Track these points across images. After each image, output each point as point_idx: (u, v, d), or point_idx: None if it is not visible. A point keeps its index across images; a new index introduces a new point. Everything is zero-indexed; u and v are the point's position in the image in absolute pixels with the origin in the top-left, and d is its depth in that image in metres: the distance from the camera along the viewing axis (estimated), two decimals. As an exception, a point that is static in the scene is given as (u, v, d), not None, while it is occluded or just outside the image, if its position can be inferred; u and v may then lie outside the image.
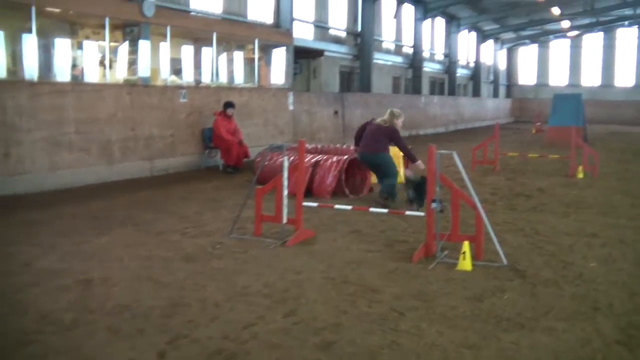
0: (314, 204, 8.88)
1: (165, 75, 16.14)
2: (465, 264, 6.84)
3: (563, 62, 53.01)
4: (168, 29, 15.49)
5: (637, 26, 49.89)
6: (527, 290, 6.21)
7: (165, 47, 15.84)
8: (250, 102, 17.67)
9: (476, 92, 45.51)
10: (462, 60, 43.27)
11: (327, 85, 26.61)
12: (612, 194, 12.41)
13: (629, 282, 6.54)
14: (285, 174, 7.97)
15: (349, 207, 8.99)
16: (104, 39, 14.09)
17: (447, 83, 40.48)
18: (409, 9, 34.16)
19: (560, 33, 50.45)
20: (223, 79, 18.81)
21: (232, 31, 18.51)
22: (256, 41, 18.57)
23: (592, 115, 39.72)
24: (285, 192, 7.98)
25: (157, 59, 16.02)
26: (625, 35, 50.94)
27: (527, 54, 54.40)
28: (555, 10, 41.23)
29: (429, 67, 37.51)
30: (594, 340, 5.00)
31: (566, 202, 11.39)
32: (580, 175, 14.75)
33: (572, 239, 8.42)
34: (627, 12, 44.72)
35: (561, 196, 12.11)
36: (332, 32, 27.11)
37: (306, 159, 11.30)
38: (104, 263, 6.94)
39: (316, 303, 5.73)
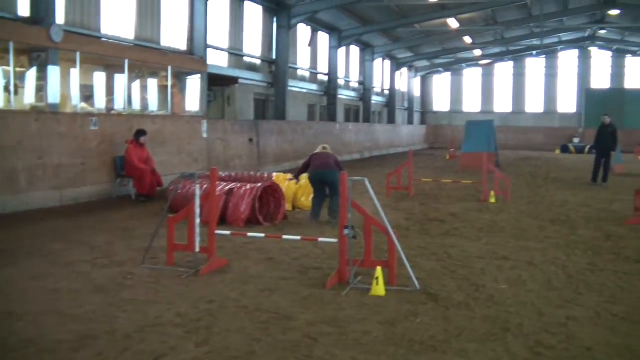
0: (227, 232, 8.85)
1: (76, 102, 15.80)
2: (379, 289, 6.96)
3: (476, 89, 54.92)
4: (78, 54, 15.20)
5: (544, 56, 52.41)
6: (439, 313, 6.37)
7: (75, 73, 15.52)
8: (163, 130, 17.49)
9: (391, 119, 46.48)
10: (377, 88, 44.17)
11: (241, 113, 26.63)
12: (522, 218, 12.90)
13: (537, 302, 6.80)
14: (198, 202, 7.94)
15: (262, 235, 9.02)
16: (8, 64, 13.69)
17: (362, 110, 41.19)
18: (323, 37, 34.71)
19: (473, 61, 52.36)
20: (136, 106, 18.54)
21: (144, 58, 18.32)
22: (169, 68, 18.45)
23: (504, 140, 41.31)
24: (198, 221, 7.94)
25: (67, 85, 15.66)
26: (533, 64, 53.35)
27: (441, 82, 56.07)
28: (468, 40, 42.84)
29: (344, 95, 38.11)
30: (503, 359, 5.18)
31: (478, 227, 11.75)
32: (493, 200, 15.26)
33: (484, 262, 8.70)
34: (535, 42, 46.92)
35: (474, 221, 12.48)
36: (246, 59, 27.23)
37: (220, 187, 11.27)
38: (8, 296, 6.70)
39: (229, 332, 5.71)
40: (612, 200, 15.94)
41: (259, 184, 11.76)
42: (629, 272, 8.19)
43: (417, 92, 54.77)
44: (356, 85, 40.86)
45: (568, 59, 53.06)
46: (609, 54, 52.21)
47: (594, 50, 52.10)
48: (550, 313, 6.43)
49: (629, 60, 52.10)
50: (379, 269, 7.04)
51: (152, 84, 19.78)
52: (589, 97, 51.68)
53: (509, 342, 5.58)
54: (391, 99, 46.83)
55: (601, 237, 10.76)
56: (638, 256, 9.17)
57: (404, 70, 50.08)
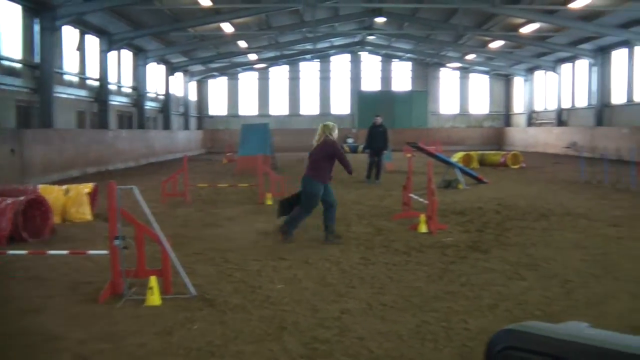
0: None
1: None
2: (154, 299, 6.84)
3: (252, 93, 55.85)
4: None
5: (318, 60, 54.68)
6: (216, 318, 6.39)
7: None
8: None
9: (167, 125, 45.83)
10: (151, 93, 43.30)
11: (1, 121, 24.78)
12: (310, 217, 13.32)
13: (312, 299, 7.07)
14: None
15: (24, 252, 8.46)
16: None
17: (136, 116, 40.20)
18: (93, 41, 33.33)
19: (248, 65, 53.17)
20: None
21: None
22: None
23: (281, 143, 42.35)
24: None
25: None
26: (308, 67, 55.44)
27: (217, 86, 56.33)
28: (243, 44, 43.43)
29: (116, 101, 36.91)
30: (280, 358, 5.32)
31: (256, 229, 11.96)
32: (269, 202, 15.61)
33: (260, 263, 8.87)
34: (309, 46, 48.90)
35: (251, 223, 12.69)
36: (5, 63, 25.38)
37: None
38: None
39: (-16, 359, 5.29)
40: (383, 197, 17.01)
41: (22, 197, 11.01)
42: (398, 264, 8.79)
43: (193, 97, 54.52)
44: (129, 90, 39.75)
45: (340, 62, 55.83)
46: (378, 58, 55.73)
47: (364, 55, 55.33)
48: (324, 308, 6.71)
49: (396, 64, 56.02)
50: (153, 279, 6.91)
51: None
52: (361, 99, 54.91)
53: (286, 340, 5.74)
54: (166, 104, 46.17)
55: (373, 232, 11.44)
56: (405, 248, 9.87)
57: (179, 74, 49.64)
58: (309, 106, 55.71)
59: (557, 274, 8.10)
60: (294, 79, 55.44)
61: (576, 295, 7.11)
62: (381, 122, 21.46)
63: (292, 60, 54.20)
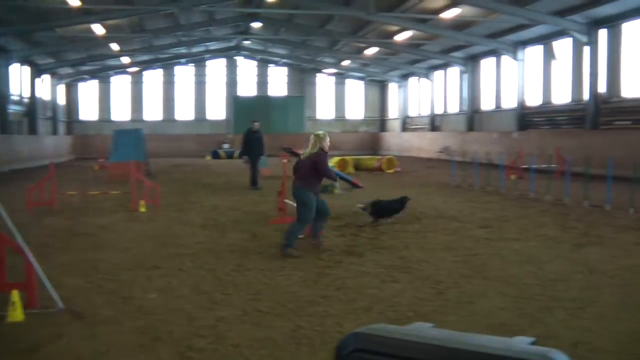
0: None
1: None
2: (17, 314, 6.52)
3: (125, 97, 54.39)
4: None
5: (193, 64, 54.02)
6: (86, 332, 6.18)
7: None
8: None
9: (33, 130, 43.88)
10: (15, 96, 41.34)
11: None
12: (173, 225, 13.12)
13: (187, 307, 6.97)
14: None
15: None
16: None
17: (-1, 120, 38.24)
18: (-53, 38, 31.48)
19: (121, 69, 51.78)
20: None
21: None
22: None
23: (155, 148, 41.57)
24: None
25: None
26: (183, 72, 54.62)
27: (88, 90, 54.48)
28: (115, 47, 42.25)
29: (-25, 103, 35.01)
30: (151, 370, 5.22)
31: (128, 237, 11.66)
32: (143, 209, 15.27)
33: (133, 273, 8.66)
34: (183, 50, 48.21)
35: (123, 231, 12.36)
36: None
37: None
38: None
39: None
40: (258, 203, 17.01)
41: None
42: (273, 269, 8.82)
43: (61, 101, 52.47)
44: (-10, 93, 37.76)
45: (216, 67, 55.43)
46: (254, 63, 55.77)
47: (240, 60, 55.18)
48: (200, 317, 6.64)
49: (272, 69, 56.27)
50: (15, 293, 6.58)
51: None
52: (237, 104, 54.71)
53: (160, 351, 5.64)
54: (32, 107, 44.14)
55: (248, 238, 11.42)
56: (281, 253, 9.90)
57: (47, 77, 47.64)
58: (184, 111, 54.92)
59: (430, 275, 8.39)
60: (169, 83, 54.52)
61: (447, 296, 7.38)
62: (258, 128, 21.47)
63: (167, 64, 53.31)
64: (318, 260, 9.36)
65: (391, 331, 2.05)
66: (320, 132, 10.54)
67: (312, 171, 10.13)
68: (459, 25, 33.51)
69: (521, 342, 2.07)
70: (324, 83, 57.46)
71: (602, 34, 27.94)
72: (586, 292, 7.49)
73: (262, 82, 56.30)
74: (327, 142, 10.34)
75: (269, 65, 56.03)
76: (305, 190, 10.09)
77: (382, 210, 12.93)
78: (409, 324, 2.18)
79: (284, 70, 56.56)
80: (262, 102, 55.07)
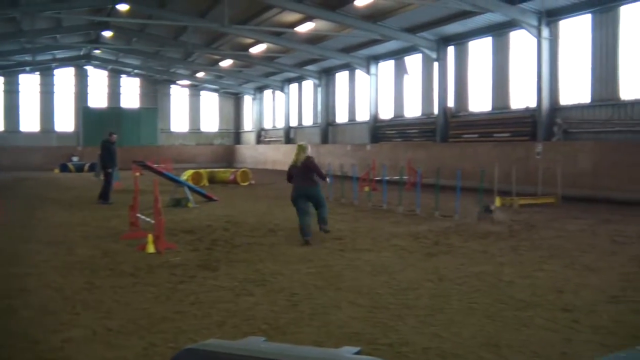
0: None
1: None
2: None
3: (-39, 107, 51.07)
4: None
5: (38, 72, 51.43)
6: None
7: None
8: None
9: None
10: None
11: None
12: (17, 243, 12.46)
13: (31, 330, 6.63)
14: None
15: None
16: None
17: None
18: None
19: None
20: None
21: None
22: None
23: (-1, 161, 39.39)
24: None
25: None
26: (27, 80, 51.84)
27: None
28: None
29: None
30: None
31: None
32: (-18, 227, 14.42)
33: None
34: (28, 58, 45.84)
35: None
36: None
37: None
38: None
39: None
40: (110, 218, 16.51)
41: None
42: (125, 286, 8.56)
43: None
44: None
45: (64, 76, 53.16)
46: (105, 73, 54.08)
47: (90, 69, 53.32)
48: (45, 339, 6.32)
49: (124, 80, 54.86)
50: None
51: None
52: (86, 115, 52.75)
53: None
54: None
55: (98, 255, 11.03)
56: (133, 269, 9.65)
57: None
58: (30, 122, 52.19)
59: (284, 287, 8.44)
60: (12, 92, 51.65)
61: (302, 307, 7.46)
62: (115, 140, 21.04)
63: (9, 72, 50.45)
64: (171, 276, 9.18)
65: (224, 346, 2.09)
66: (303, 143, 13.32)
67: (308, 173, 12.49)
68: (313, 39, 34.20)
69: (347, 352, 2.17)
70: (178, 95, 56.78)
71: (450, 50, 29.46)
72: (436, 299, 7.80)
73: (114, 93, 54.74)
74: (309, 150, 12.90)
75: (121, 75, 54.62)
76: (315, 188, 12.55)
77: None
78: (242, 339, 2.22)
79: (137, 81, 55.32)
80: (114, 114, 53.44)
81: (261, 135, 53.55)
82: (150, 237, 11.26)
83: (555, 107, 23.89)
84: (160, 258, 10.56)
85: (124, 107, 54.96)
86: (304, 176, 12.52)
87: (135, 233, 12.71)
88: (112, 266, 9.98)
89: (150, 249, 11.12)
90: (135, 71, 53.09)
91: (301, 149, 12.78)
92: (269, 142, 51.57)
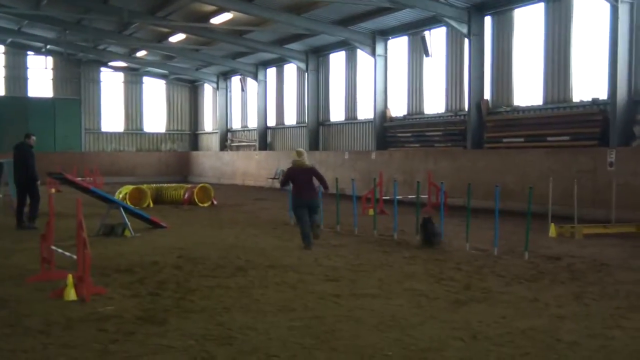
0: None
1: None
2: None
3: None
4: None
5: None
6: None
7: None
8: None
9: None
10: None
11: None
12: None
13: None
14: None
15: None
16: None
17: None
18: None
19: None
20: None
21: None
22: None
23: None
24: None
25: None
26: None
27: None
28: None
29: None
30: None
31: None
32: None
33: None
34: None
35: None
36: None
37: None
38: None
39: None
40: (11, 251, 16.34)
41: None
42: (30, 350, 8.32)
43: None
44: None
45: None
46: (1, 48, 53.41)
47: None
48: None
49: (32, 59, 54.54)
50: None
51: None
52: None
53: None
54: None
55: (-6, 306, 10.91)
56: (44, 325, 9.47)
57: None
58: None
59: (258, 347, 8.36)
60: None
61: (282, 375, 7.39)
62: (34, 144, 21.16)
63: None
64: (100, 333, 9.08)
65: None
66: (301, 149, 17.59)
67: (312, 182, 16.94)
68: (297, 6, 34.06)
69: None
70: (110, 81, 56.63)
71: (487, 22, 29.68)
72: (467, 364, 7.74)
73: (16, 76, 54.37)
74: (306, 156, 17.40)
75: (28, 52, 54.26)
76: (318, 199, 17.44)
77: None
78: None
79: (50, 61, 54.86)
80: (16, 106, 53.20)
81: (227, 139, 53.49)
82: (70, 279, 11.13)
83: (635, 99, 23.83)
84: (84, 308, 10.44)
85: (31, 97, 54.82)
86: (309, 185, 16.84)
87: (49, 273, 12.56)
88: (13, 321, 9.83)
89: (70, 295, 10.99)
90: (48, 47, 52.60)
91: (300, 154, 17.04)
92: (237, 148, 51.56)
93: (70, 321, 9.71)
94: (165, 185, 33.43)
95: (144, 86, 57.65)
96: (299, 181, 16.78)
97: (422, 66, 34.04)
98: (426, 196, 24.82)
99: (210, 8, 36.31)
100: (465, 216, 16.92)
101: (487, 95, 29.71)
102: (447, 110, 32.30)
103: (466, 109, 30.34)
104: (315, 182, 17.13)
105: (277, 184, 38.99)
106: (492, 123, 29.32)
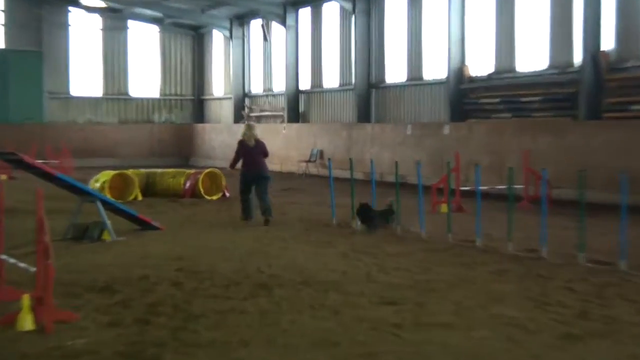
0: None
1: None
2: None
3: None
4: None
5: None
6: None
7: None
8: None
9: None
10: None
11: None
12: None
13: None
14: None
15: None
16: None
17: None
18: None
19: None
20: None
21: None
22: None
23: None
24: None
25: None
26: None
27: None
28: None
29: None
30: None
31: None
32: None
33: None
34: None
35: None
36: None
37: None
38: None
39: None
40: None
41: None
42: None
43: None
44: None
45: None
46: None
47: None
48: None
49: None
50: None
51: None
52: None
53: None
54: None
55: None
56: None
57: None
58: None
59: (287, 399, 8.29)
60: None
61: None
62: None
63: None
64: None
65: None
66: (252, 123, 20.88)
67: (262, 156, 22.48)
68: None
69: None
70: (82, 28, 56.77)
71: None
72: None
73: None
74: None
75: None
76: (267, 173, 22.88)
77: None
78: None
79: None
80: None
81: (244, 108, 53.51)
82: (25, 300, 11.12)
83: None
84: (45, 341, 10.44)
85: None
86: (259, 158, 22.49)
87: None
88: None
89: (26, 323, 10.98)
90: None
91: (251, 128, 23.06)
92: (258, 120, 51.59)
93: (26, 359, 9.70)
94: (160, 170, 33.58)
95: (130, 34, 57.82)
96: (249, 155, 22.50)
97: (514, 3, 33.60)
98: (522, 186, 24.63)
99: None
100: (577, 215, 16.75)
101: (608, 44, 29.29)
102: (550, 65, 32.00)
103: (577, 62, 30.02)
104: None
105: (315, 168, 39.12)
106: (615, 83, 29.00)
